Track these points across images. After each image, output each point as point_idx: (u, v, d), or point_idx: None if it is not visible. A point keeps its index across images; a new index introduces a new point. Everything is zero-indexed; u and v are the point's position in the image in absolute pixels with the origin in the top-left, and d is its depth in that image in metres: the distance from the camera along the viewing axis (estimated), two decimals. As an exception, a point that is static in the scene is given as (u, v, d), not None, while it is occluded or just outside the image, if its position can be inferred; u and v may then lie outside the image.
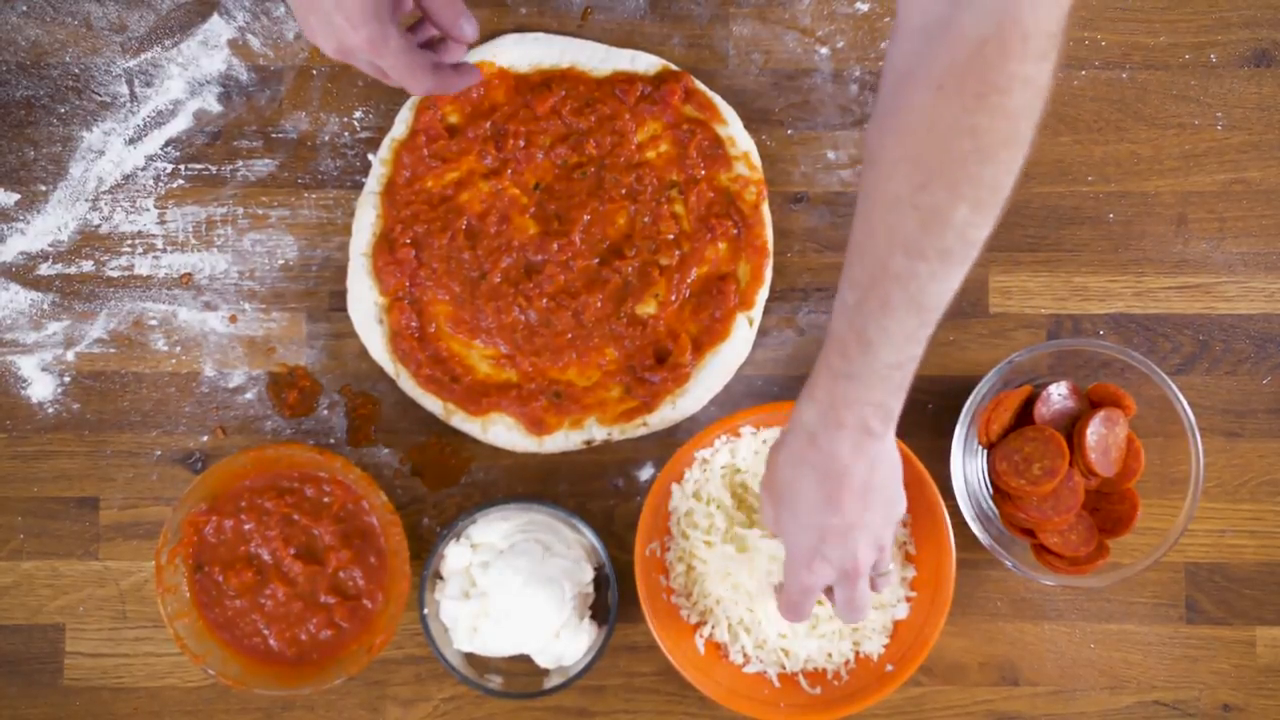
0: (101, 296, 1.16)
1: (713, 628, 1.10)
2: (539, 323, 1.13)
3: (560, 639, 1.09)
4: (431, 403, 1.13)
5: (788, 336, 1.16)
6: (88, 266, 1.16)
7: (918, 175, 0.78)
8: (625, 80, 1.15)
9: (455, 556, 1.10)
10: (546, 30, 1.17)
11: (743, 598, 1.09)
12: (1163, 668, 1.14)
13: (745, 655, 1.10)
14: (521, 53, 1.15)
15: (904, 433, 1.08)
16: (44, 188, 1.17)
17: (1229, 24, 1.17)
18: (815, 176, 1.16)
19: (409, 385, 1.13)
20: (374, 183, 1.15)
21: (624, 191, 1.14)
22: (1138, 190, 1.17)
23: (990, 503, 1.13)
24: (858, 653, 1.10)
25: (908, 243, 0.80)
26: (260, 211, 1.17)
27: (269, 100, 1.17)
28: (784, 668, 1.10)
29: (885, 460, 0.92)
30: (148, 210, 1.17)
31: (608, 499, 1.15)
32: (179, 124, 1.17)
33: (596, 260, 1.14)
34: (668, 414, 1.13)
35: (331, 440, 1.15)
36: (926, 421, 1.14)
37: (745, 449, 1.10)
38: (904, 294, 0.82)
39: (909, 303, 0.82)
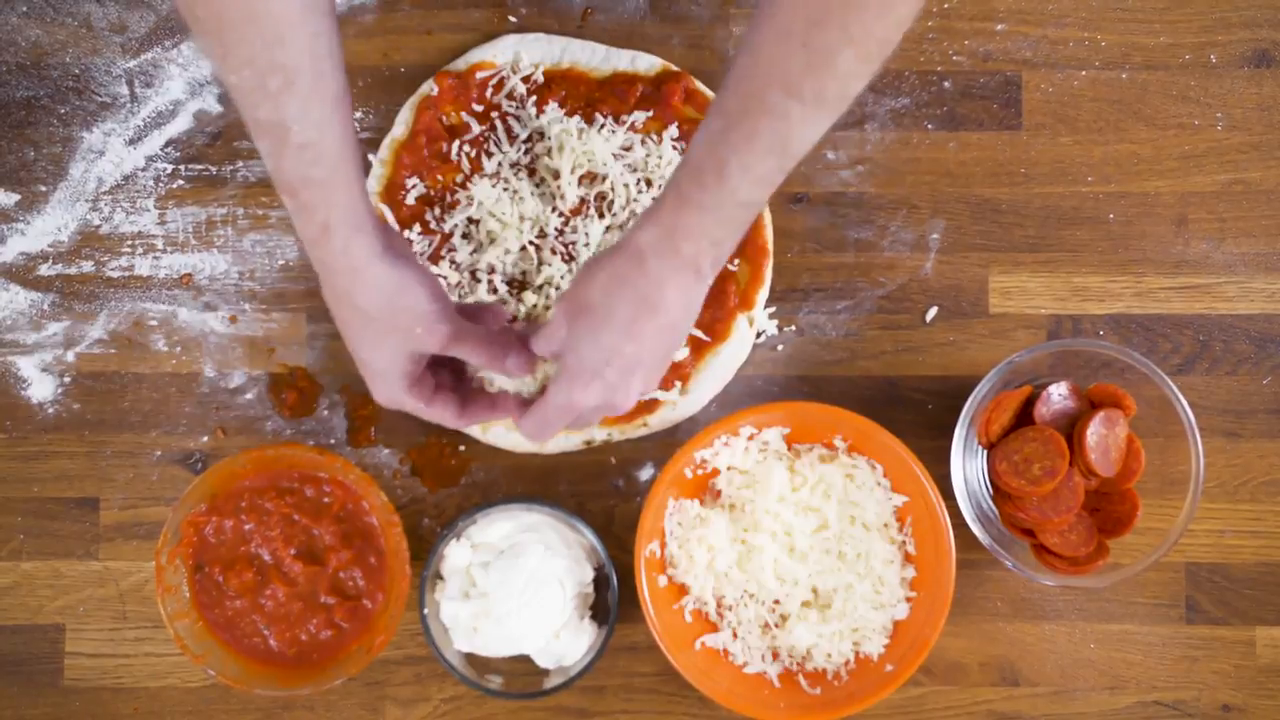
0: (101, 297, 1.16)
1: (712, 625, 1.10)
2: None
3: (560, 639, 1.09)
4: (431, 403, 1.13)
5: (788, 336, 1.16)
6: (88, 267, 1.17)
7: (815, 11, 0.78)
8: (625, 80, 1.15)
9: (455, 556, 1.10)
10: (546, 30, 1.17)
11: (744, 597, 1.09)
12: (1163, 668, 1.14)
13: (746, 655, 1.10)
14: (521, 53, 1.15)
15: (904, 433, 1.09)
16: (44, 188, 1.17)
17: (1229, 24, 1.17)
18: (815, 176, 1.16)
19: (409, 385, 1.14)
20: (374, 183, 1.15)
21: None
22: (1138, 190, 1.17)
23: (990, 503, 1.13)
24: (858, 653, 1.10)
25: (788, 80, 0.80)
26: (260, 212, 1.17)
27: (269, 100, 1.17)
28: (784, 666, 1.10)
29: (693, 308, 0.92)
30: (148, 210, 1.17)
31: (608, 499, 1.15)
32: (179, 124, 1.17)
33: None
34: (668, 414, 1.13)
35: (331, 440, 1.16)
36: (926, 421, 1.15)
37: (745, 449, 1.10)
38: (772, 132, 0.82)
39: (774, 142, 0.83)
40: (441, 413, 1.00)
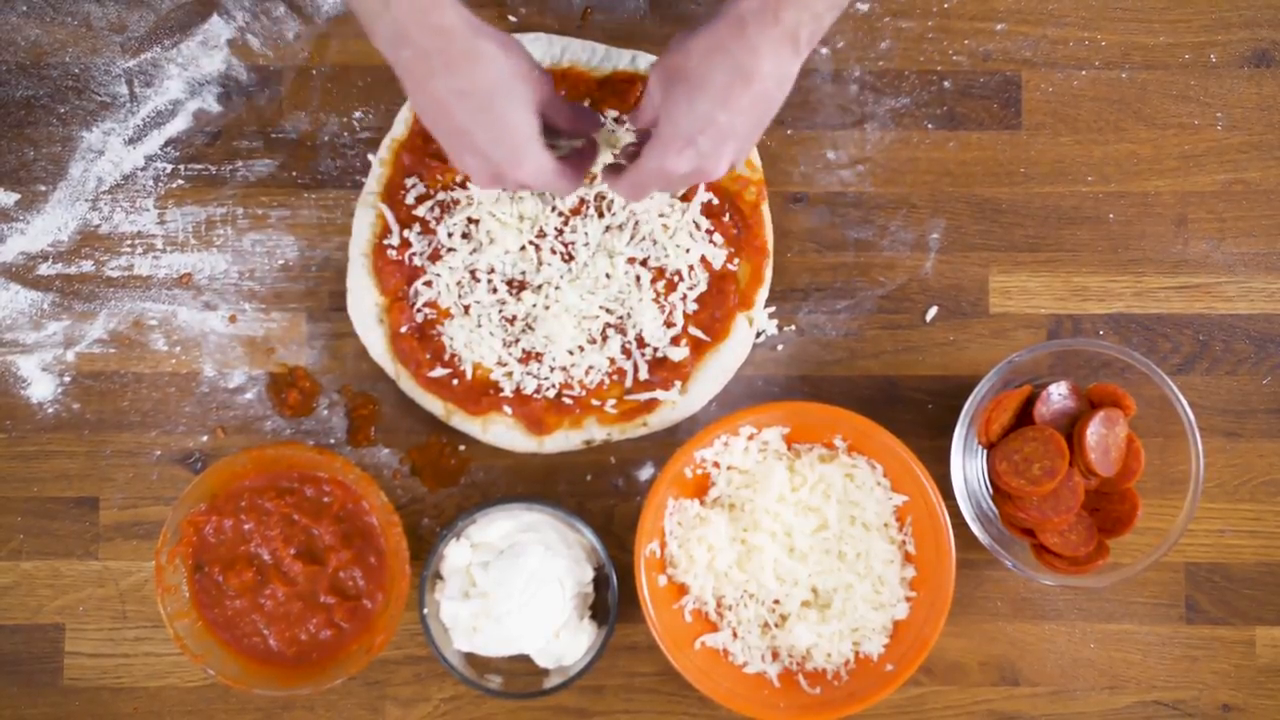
0: (101, 296, 1.16)
1: (712, 625, 1.10)
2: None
3: (560, 639, 1.09)
4: (431, 403, 1.13)
5: (788, 336, 1.16)
6: (88, 266, 1.17)
7: None
8: (625, 80, 1.14)
9: (455, 556, 1.10)
10: (546, 30, 1.17)
11: (744, 597, 1.09)
12: (1162, 668, 1.14)
13: (746, 655, 1.10)
14: (521, 53, 1.15)
15: (904, 432, 1.09)
16: (44, 188, 1.17)
17: (1229, 24, 1.17)
18: (815, 176, 1.16)
19: (409, 385, 1.13)
20: (374, 183, 1.15)
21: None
22: (1138, 190, 1.17)
23: (990, 503, 1.13)
24: (858, 653, 1.10)
25: None
26: (260, 211, 1.17)
27: (269, 100, 1.17)
28: (784, 666, 1.10)
29: (787, 80, 0.92)
30: (147, 210, 1.17)
31: (608, 499, 1.15)
32: (179, 124, 1.17)
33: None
34: (667, 414, 1.13)
35: (331, 440, 1.16)
36: (926, 421, 1.15)
37: (745, 449, 1.10)
38: None
39: None
40: (562, 174, 0.99)
